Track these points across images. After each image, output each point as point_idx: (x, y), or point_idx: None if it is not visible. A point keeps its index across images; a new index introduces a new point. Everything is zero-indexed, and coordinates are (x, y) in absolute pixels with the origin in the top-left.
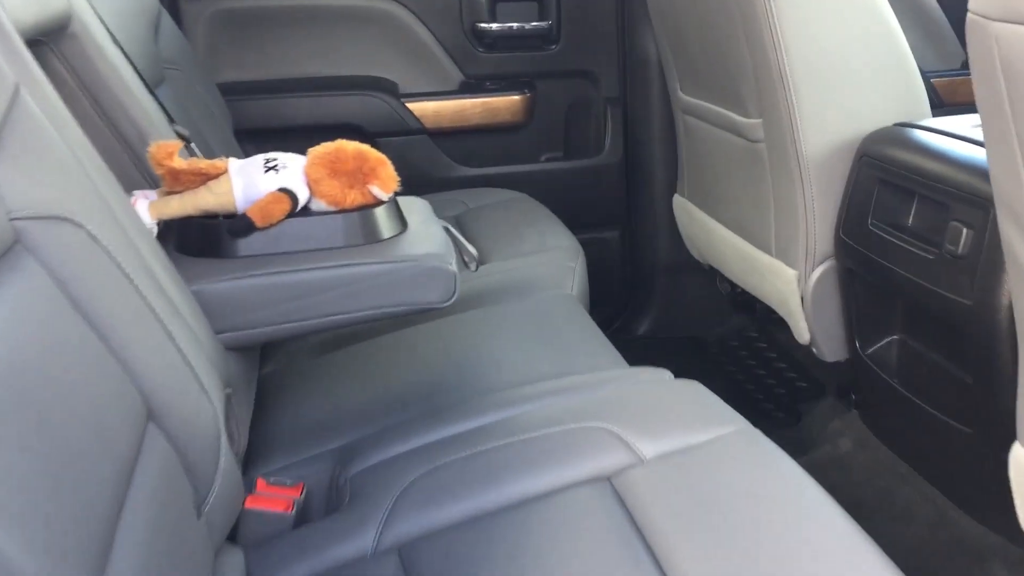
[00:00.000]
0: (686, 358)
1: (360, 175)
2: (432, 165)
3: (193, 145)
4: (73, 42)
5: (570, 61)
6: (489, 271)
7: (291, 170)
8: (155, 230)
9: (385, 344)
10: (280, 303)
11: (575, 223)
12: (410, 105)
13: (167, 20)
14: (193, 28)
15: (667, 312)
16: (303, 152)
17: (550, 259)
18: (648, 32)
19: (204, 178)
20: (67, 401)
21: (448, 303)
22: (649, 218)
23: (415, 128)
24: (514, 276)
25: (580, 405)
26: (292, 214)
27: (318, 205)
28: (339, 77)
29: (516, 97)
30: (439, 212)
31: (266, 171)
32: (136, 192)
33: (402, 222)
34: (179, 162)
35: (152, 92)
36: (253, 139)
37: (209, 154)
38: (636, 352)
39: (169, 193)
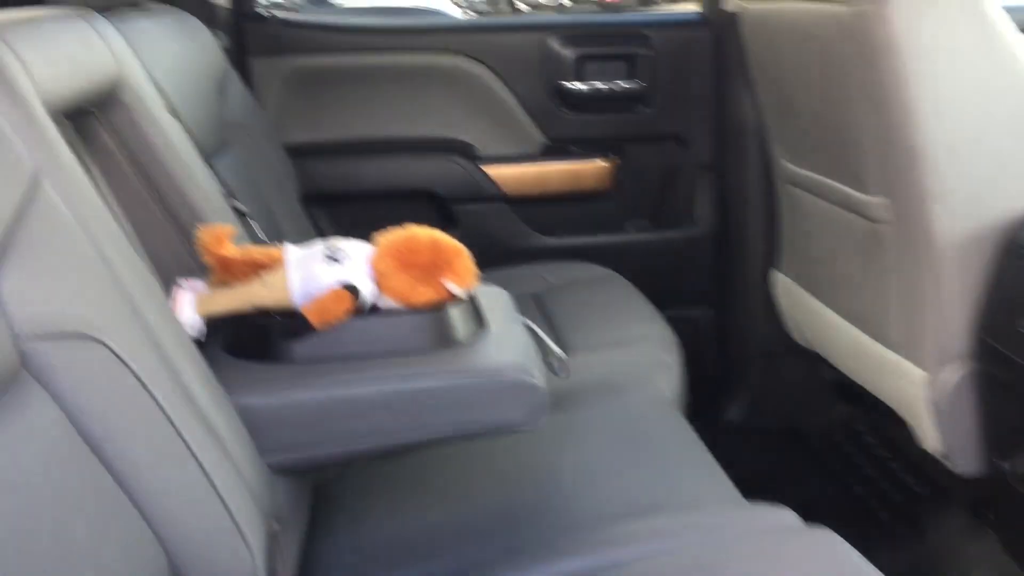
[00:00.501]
0: (783, 452)
1: (434, 268)
2: (510, 234)
3: (252, 221)
4: (123, 111)
5: (660, 124)
6: (573, 364)
7: (355, 261)
8: (201, 329)
9: (456, 454)
10: (337, 421)
11: (663, 299)
12: (488, 169)
13: (233, 80)
14: (262, 87)
15: (762, 399)
16: (373, 219)
17: (641, 352)
18: (746, 96)
19: (257, 269)
20: (74, 562)
21: (536, 426)
22: (744, 295)
23: (493, 194)
24: (601, 372)
25: (693, 561)
26: (356, 313)
27: (385, 302)
28: (413, 139)
29: (602, 162)
30: (518, 288)
31: (327, 262)
32: (183, 282)
33: (481, 321)
34: (231, 250)
35: (209, 164)
36: (322, 204)
37: (273, 225)
38: (728, 444)
39: (219, 284)
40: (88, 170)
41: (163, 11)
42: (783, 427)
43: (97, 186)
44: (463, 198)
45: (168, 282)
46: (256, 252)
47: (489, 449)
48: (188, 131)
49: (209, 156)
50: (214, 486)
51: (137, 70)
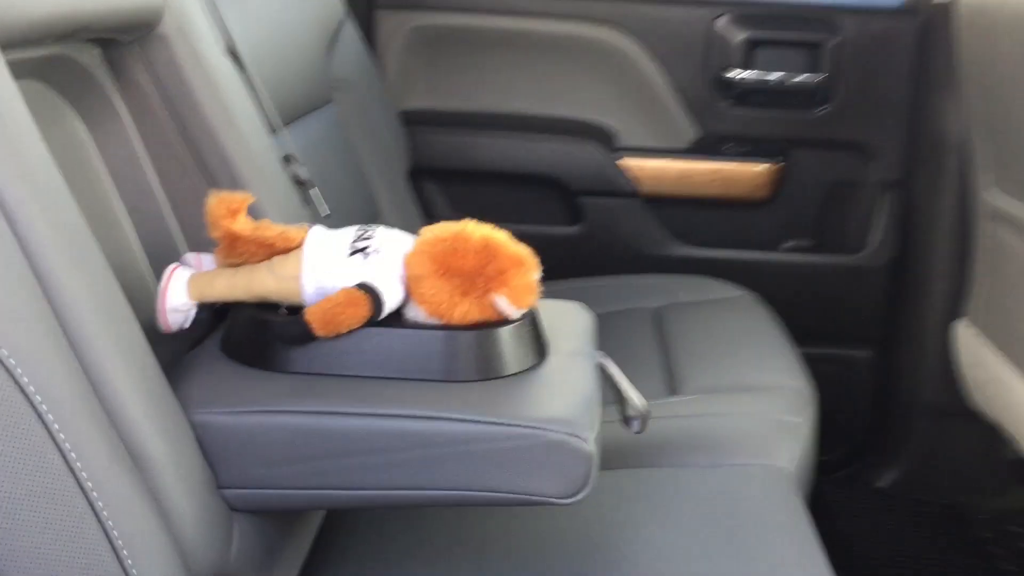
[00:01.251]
0: (942, 536)
1: (481, 278)
2: (641, 238)
3: (316, 193)
4: (161, 45)
5: (840, 128)
6: (673, 407)
7: (385, 257)
8: (191, 315)
9: (489, 511)
10: (322, 456)
11: (815, 333)
12: (625, 162)
13: (349, 32)
14: (384, 44)
15: (922, 466)
16: (488, 202)
17: (765, 405)
18: (950, 105)
19: (270, 251)
20: None
21: (572, 501)
22: (916, 342)
23: (627, 190)
24: (706, 424)
25: None
26: (373, 322)
27: (416, 313)
28: (544, 118)
29: (762, 166)
30: (638, 299)
31: (351, 254)
32: (190, 257)
33: (539, 350)
34: (242, 224)
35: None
36: (433, 179)
37: (364, 198)
38: (873, 515)
39: (228, 264)
40: (117, 110)
41: None
42: (944, 504)
43: (125, 131)
44: (592, 190)
45: (191, 242)
46: (272, 230)
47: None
48: (249, 78)
49: (298, 112)
50: (106, 533)
51: (192, 5)
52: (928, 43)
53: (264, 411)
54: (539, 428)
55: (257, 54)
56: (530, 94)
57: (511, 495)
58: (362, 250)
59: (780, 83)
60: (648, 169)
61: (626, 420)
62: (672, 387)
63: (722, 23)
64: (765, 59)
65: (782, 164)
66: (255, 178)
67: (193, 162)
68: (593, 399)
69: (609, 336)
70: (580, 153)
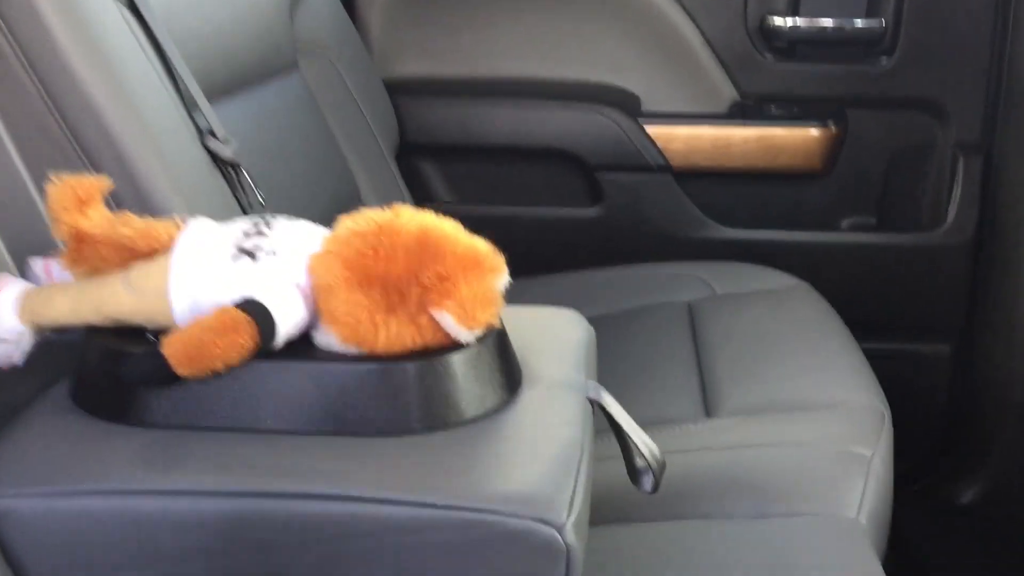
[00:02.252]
0: None
1: (416, 288)
2: (673, 219)
3: (246, 175)
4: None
5: (906, 83)
6: (706, 435)
7: (282, 261)
8: (23, 345)
9: None
10: (183, 561)
11: (881, 326)
12: (652, 130)
13: None
14: (365, 2)
15: (1014, 478)
16: (494, 182)
17: (827, 431)
18: None
19: (128, 254)
20: None
21: None
22: (1003, 333)
23: (656, 164)
24: (750, 458)
25: None
26: (264, 354)
27: (328, 339)
28: (556, 82)
29: (814, 131)
30: (667, 291)
31: (236, 257)
32: (34, 261)
33: (507, 383)
34: (95, 219)
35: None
36: (427, 157)
37: (344, 182)
38: (952, 537)
39: (77, 274)
40: None
41: None
42: None
43: None
44: (614, 165)
45: None
46: (132, 227)
47: None
48: (154, 35)
49: (249, 80)
50: None
51: None
52: None
53: (93, 492)
54: (493, 512)
55: (190, 9)
56: (538, 55)
57: None
58: (251, 252)
59: (834, 31)
60: (679, 138)
61: (632, 475)
62: (708, 406)
63: None
64: (815, 2)
65: (838, 128)
66: (153, 160)
67: (70, 143)
68: (574, 458)
69: (633, 338)
70: (598, 122)
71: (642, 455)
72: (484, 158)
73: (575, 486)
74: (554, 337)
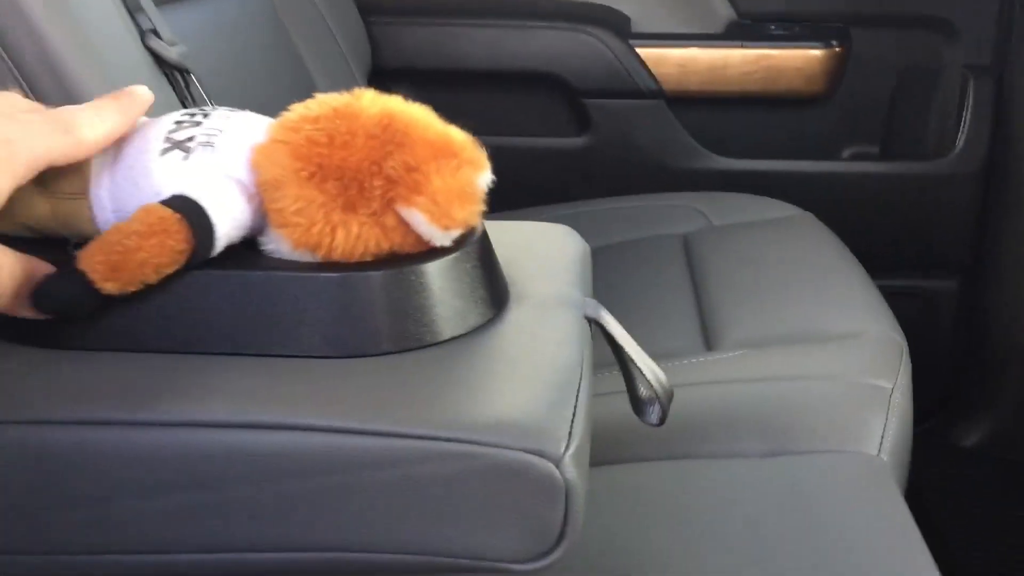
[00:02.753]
0: None
1: (379, 180)
2: (666, 148)
3: (195, 81)
4: None
5: (914, 0)
6: (710, 369)
7: (221, 153)
8: None
9: None
10: (115, 499)
11: (886, 260)
12: (644, 52)
13: None
14: None
15: (1016, 422)
16: (473, 108)
17: (842, 362)
18: None
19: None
20: None
21: (538, 566)
22: (1013, 270)
23: (647, 89)
24: (758, 393)
25: None
26: (199, 262)
27: (278, 245)
28: (540, 1)
29: (816, 52)
30: (661, 223)
31: (164, 151)
32: None
33: (491, 299)
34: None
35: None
36: (402, 83)
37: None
38: (958, 480)
39: None
40: None
41: None
42: None
43: None
44: (603, 90)
45: None
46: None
47: None
48: None
49: None
50: None
51: None
52: None
53: (6, 422)
54: (480, 444)
55: None
56: None
57: (435, 558)
58: (182, 143)
59: None
60: (672, 61)
61: (636, 406)
62: (708, 339)
63: None
64: None
65: (841, 48)
66: (85, 59)
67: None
68: (572, 382)
69: (626, 271)
70: (586, 43)
71: (647, 383)
72: (463, 84)
73: (574, 413)
74: (545, 251)
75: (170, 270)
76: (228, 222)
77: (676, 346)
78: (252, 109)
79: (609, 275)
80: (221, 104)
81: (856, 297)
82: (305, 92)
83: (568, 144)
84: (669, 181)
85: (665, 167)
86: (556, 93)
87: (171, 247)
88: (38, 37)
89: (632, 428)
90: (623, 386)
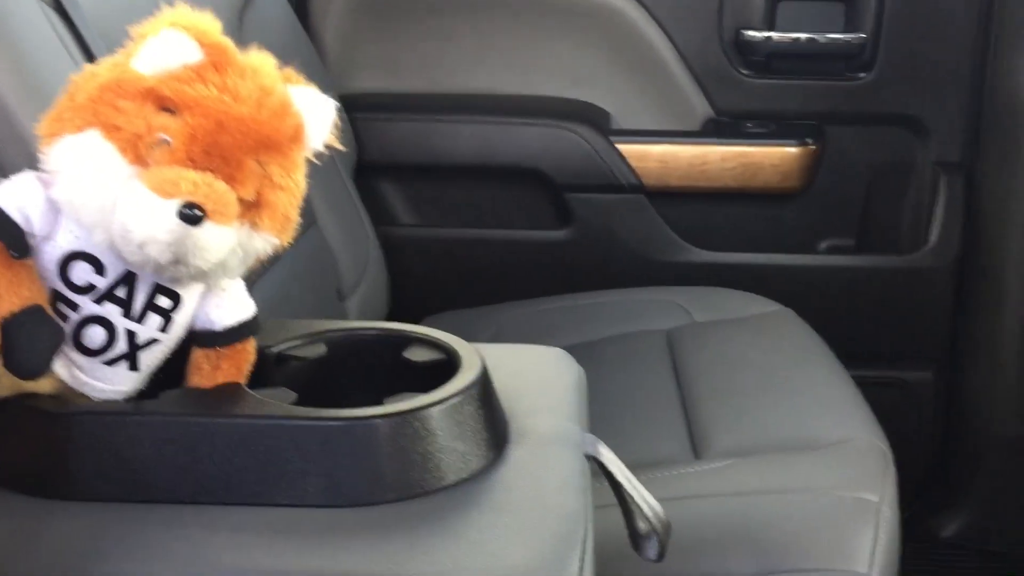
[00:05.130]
0: None
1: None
2: (648, 241)
3: None
4: None
5: (887, 99)
6: (699, 481)
7: None
8: None
9: None
10: None
11: (862, 351)
12: (624, 148)
13: None
14: (321, 10)
15: (998, 511)
16: (457, 202)
17: (829, 474)
18: None
19: None
20: None
21: None
22: (988, 360)
23: (628, 183)
24: (748, 507)
25: None
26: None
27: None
28: (522, 98)
29: (792, 149)
30: (643, 319)
31: None
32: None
33: (493, 439)
34: None
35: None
36: (387, 177)
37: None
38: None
39: None
40: None
41: None
42: (1021, 558)
43: None
44: (584, 185)
45: None
46: None
47: None
48: (81, 37)
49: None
50: None
51: None
52: None
53: None
54: None
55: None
56: (503, 69)
57: None
58: None
59: (812, 44)
60: (652, 157)
61: (635, 541)
62: (696, 446)
63: None
64: (792, 16)
65: (816, 146)
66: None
67: None
68: (577, 532)
69: (610, 369)
70: (567, 139)
71: (646, 518)
72: (447, 178)
73: (581, 565)
74: (542, 381)
75: None
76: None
77: (664, 454)
78: None
79: (593, 372)
80: None
81: (840, 402)
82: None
83: (550, 237)
84: (650, 274)
85: (646, 260)
86: (538, 187)
87: None
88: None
89: (616, 541)
90: (607, 500)
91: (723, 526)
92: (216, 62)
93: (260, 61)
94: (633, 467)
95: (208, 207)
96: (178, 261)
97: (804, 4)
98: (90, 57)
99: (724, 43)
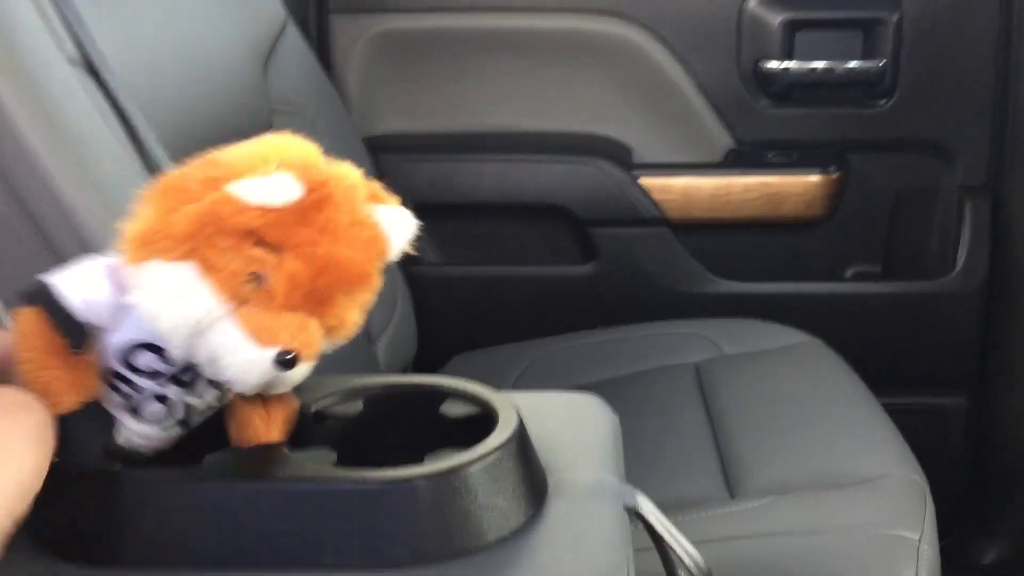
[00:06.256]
0: None
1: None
2: (673, 274)
3: None
4: None
5: (908, 125)
6: (735, 521)
7: None
8: None
9: None
10: None
11: (891, 378)
12: (646, 182)
13: (293, 40)
14: (344, 54)
15: None
16: (483, 240)
17: (867, 512)
18: None
19: None
20: None
21: None
22: (1021, 381)
23: (651, 216)
24: (786, 548)
25: None
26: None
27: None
28: (544, 134)
29: (815, 178)
30: (672, 353)
31: None
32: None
33: (532, 494)
34: None
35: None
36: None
37: None
38: None
39: None
40: None
41: None
42: None
43: None
44: (607, 219)
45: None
46: None
47: None
48: (114, 98)
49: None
50: None
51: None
52: (1019, 8)
53: None
54: None
55: (155, 71)
56: (523, 106)
57: None
58: None
59: (831, 73)
60: (674, 189)
61: None
62: (731, 484)
63: (753, 3)
64: (810, 45)
65: (839, 173)
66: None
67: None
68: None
69: (641, 405)
70: (589, 174)
71: (686, 568)
72: (471, 216)
73: None
74: (577, 430)
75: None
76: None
77: (699, 493)
78: None
79: (624, 409)
80: None
81: (874, 436)
82: None
83: (575, 272)
84: (677, 306)
85: (672, 292)
86: (562, 223)
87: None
88: (71, 217)
89: None
90: (648, 541)
91: (762, 568)
92: (318, 200)
93: (350, 181)
94: (668, 508)
95: (303, 352)
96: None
97: (822, 33)
98: (123, 119)
99: (743, 74)
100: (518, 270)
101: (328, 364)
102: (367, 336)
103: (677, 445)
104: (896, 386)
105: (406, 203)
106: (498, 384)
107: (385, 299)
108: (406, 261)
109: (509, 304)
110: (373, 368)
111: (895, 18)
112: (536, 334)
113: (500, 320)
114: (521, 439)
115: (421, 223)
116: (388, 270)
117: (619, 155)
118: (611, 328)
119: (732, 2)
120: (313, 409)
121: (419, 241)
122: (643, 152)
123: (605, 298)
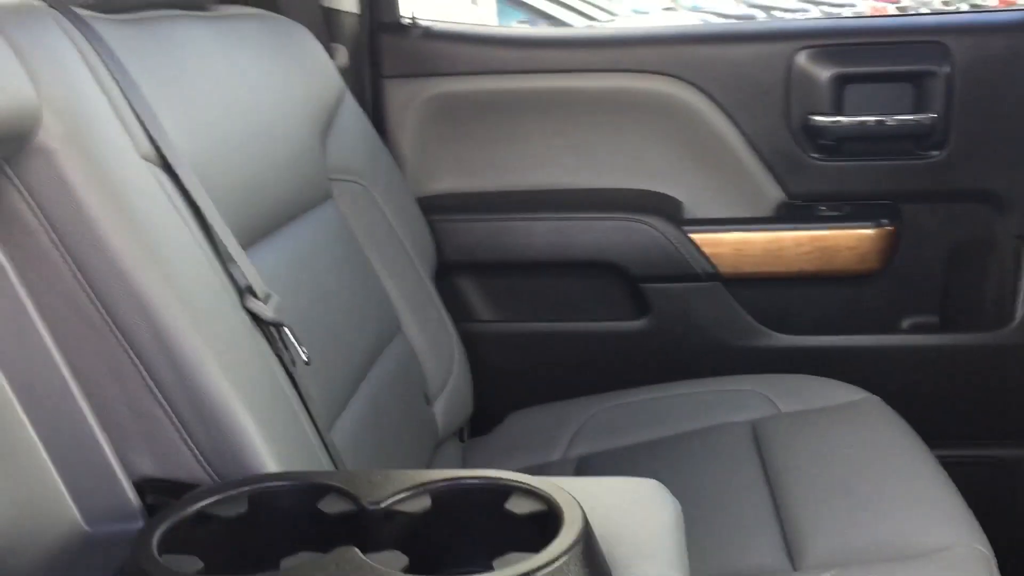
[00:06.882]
0: None
1: None
2: (726, 329)
3: (288, 332)
4: (42, 162)
5: (960, 175)
6: None
7: None
8: None
9: None
10: None
11: (953, 431)
12: (698, 237)
13: (351, 109)
14: (397, 120)
15: None
16: (536, 298)
17: None
18: None
19: None
20: None
21: None
22: None
23: (703, 272)
24: None
25: None
26: None
27: None
28: (594, 191)
29: (868, 231)
30: (727, 410)
31: None
32: None
33: None
34: None
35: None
36: (467, 275)
37: (384, 309)
38: None
39: None
40: None
41: (247, 18)
42: None
43: (6, 284)
44: (660, 275)
45: (110, 429)
46: None
47: None
48: (187, 191)
49: (285, 218)
50: None
51: (93, 102)
52: None
53: None
54: None
55: (222, 157)
56: (573, 165)
57: None
58: None
59: (881, 126)
60: (726, 244)
61: None
62: (792, 554)
63: (803, 59)
64: (860, 98)
65: (893, 226)
66: (192, 333)
67: (104, 321)
68: None
69: (697, 466)
70: (640, 231)
71: None
72: (524, 273)
73: None
74: (640, 521)
75: None
76: None
77: (759, 563)
78: (331, 327)
79: (680, 470)
80: (305, 329)
81: (938, 502)
82: (377, 299)
83: (628, 328)
84: (730, 361)
85: (726, 347)
86: (614, 279)
87: None
88: (149, 315)
89: None
90: None
91: None
92: None
93: None
94: None
95: None
96: None
97: (871, 86)
98: (195, 209)
99: (793, 129)
100: (571, 326)
101: (390, 427)
102: (425, 398)
103: (735, 509)
104: (956, 438)
105: (460, 261)
106: (554, 443)
107: (441, 360)
108: (458, 317)
109: (563, 360)
110: (431, 431)
111: (945, 70)
112: (590, 389)
113: (554, 376)
114: (587, 540)
115: (474, 281)
116: (444, 328)
117: (670, 211)
118: (665, 384)
119: (780, 57)
120: (383, 507)
121: (472, 299)
122: (694, 207)
123: (658, 353)
